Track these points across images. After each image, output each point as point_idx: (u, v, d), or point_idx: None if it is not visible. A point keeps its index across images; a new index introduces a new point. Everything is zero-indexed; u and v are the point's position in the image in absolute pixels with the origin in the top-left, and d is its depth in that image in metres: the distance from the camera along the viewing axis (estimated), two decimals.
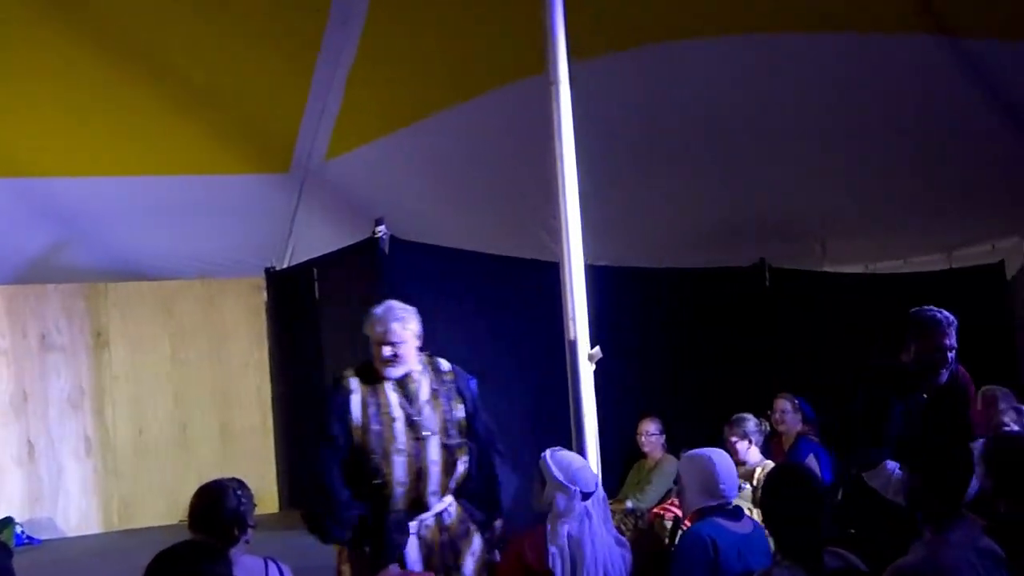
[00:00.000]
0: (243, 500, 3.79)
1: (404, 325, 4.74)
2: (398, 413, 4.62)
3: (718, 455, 4.66)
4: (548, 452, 4.82)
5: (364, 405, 4.60)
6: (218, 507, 3.76)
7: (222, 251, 9.39)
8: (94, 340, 8.96)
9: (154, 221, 8.91)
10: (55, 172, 8.40)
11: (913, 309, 5.05)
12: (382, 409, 4.61)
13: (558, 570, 4.49)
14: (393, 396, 4.67)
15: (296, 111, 8.29)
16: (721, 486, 4.47)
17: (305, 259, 9.11)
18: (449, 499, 4.71)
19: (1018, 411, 6.19)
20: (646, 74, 7.45)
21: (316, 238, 9.09)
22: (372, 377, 4.72)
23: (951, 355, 4.95)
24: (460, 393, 4.84)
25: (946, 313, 4.99)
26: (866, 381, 5.18)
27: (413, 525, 4.55)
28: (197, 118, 8.21)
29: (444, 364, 4.93)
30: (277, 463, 9.16)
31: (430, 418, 4.66)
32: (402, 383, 4.71)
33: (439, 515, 4.65)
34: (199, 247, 9.29)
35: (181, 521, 4.77)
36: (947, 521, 3.64)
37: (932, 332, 4.91)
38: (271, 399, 9.35)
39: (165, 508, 8.45)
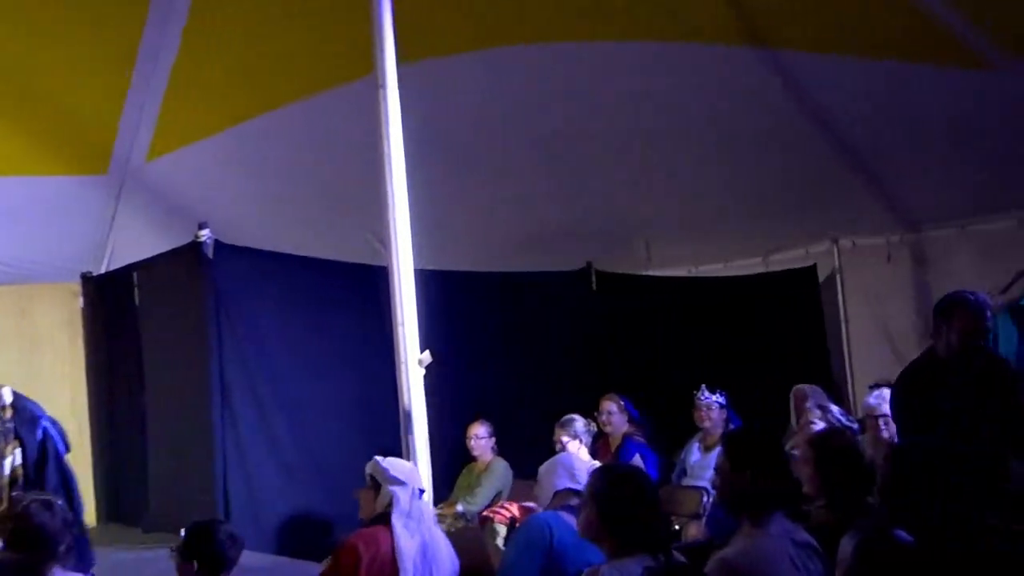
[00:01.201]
0: (59, 517, 3.65)
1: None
2: None
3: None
4: (377, 458, 4.80)
5: None
6: (33, 525, 3.61)
7: (36, 256, 8.97)
8: None
9: None
10: None
11: (945, 296, 4.79)
12: None
13: (410, 567, 4.46)
14: None
15: (115, 110, 7.97)
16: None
17: (125, 264, 8.80)
18: None
19: (824, 409, 6.45)
20: (475, 78, 7.48)
21: (136, 242, 8.78)
22: None
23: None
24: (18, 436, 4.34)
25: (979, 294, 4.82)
26: (901, 385, 4.92)
27: None
28: (9, 117, 7.82)
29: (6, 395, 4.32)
30: (95, 476, 8.81)
31: None
32: None
33: None
34: (10, 251, 8.85)
35: None
36: (766, 515, 3.76)
37: (974, 314, 4.62)
38: (87, 409, 8.99)
39: None
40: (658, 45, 7.04)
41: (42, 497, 3.75)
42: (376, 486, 4.72)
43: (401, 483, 4.66)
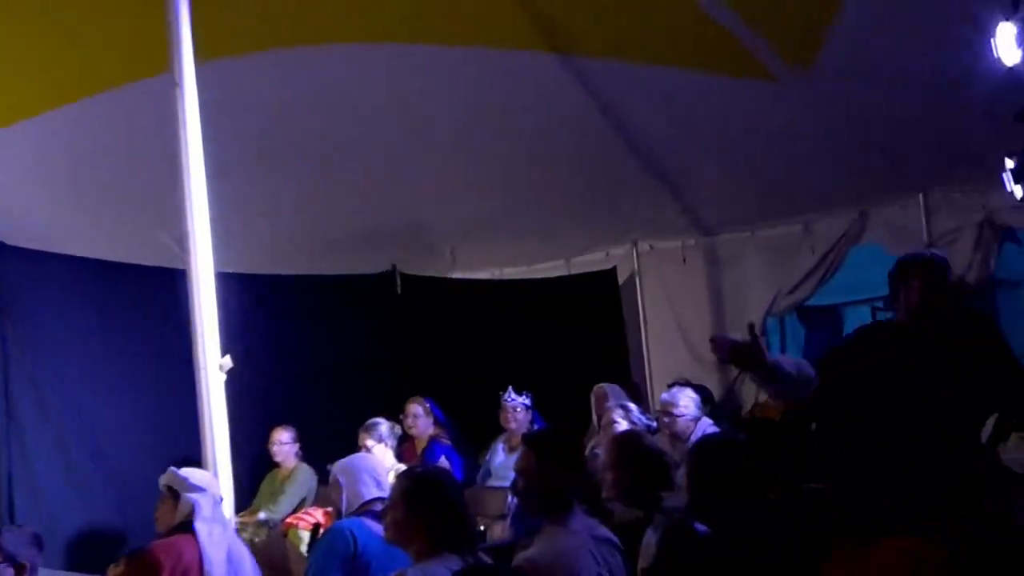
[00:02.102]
0: None
1: None
2: None
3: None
4: (172, 469, 4.67)
5: None
6: None
7: None
8: None
9: None
10: None
11: (899, 258, 4.44)
12: None
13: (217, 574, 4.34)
14: None
15: None
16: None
17: None
18: None
19: (625, 408, 6.63)
20: (277, 77, 7.34)
21: None
22: None
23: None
24: None
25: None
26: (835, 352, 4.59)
27: None
28: None
29: None
30: None
31: None
32: None
33: None
34: None
35: None
36: (565, 513, 3.84)
37: (935, 269, 4.27)
38: None
39: None
40: (467, 50, 7.08)
41: None
42: (174, 495, 4.59)
43: (201, 490, 4.55)
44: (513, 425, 7.83)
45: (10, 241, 7.26)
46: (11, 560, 3.54)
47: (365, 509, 4.56)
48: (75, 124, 7.20)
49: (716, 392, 8.57)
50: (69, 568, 6.78)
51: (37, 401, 7.29)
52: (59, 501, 7.27)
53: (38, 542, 3.72)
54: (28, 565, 3.59)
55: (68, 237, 7.71)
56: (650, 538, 3.56)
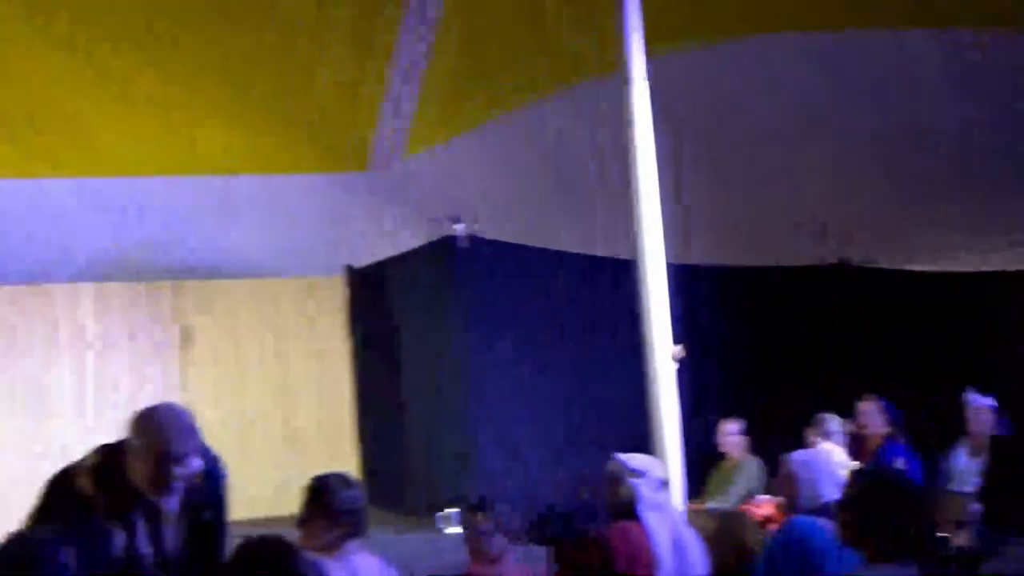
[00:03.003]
0: None
1: None
2: None
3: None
4: (615, 455, 4.78)
5: None
6: None
7: (301, 250, 9.50)
8: (181, 337, 9.11)
9: (236, 220, 9.03)
10: (141, 172, 8.56)
11: None
12: None
13: (665, 559, 4.42)
14: None
15: (372, 109, 8.32)
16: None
17: (383, 257, 9.17)
18: None
19: None
20: (723, 70, 7.35)
21: (393, 236, 9.12)
22: None
23: None
24: None
25: None
26: None
27: None
28: (275, 119, 8.30)
29: None
30: (360, 460, 9.20)
31: None
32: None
33: None
34: (280, 246, 9.40)
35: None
36: None
37: None
38: (352, 397, 9.41)
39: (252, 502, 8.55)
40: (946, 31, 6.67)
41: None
42: (617, 481, 4.69)
43: (642, 474, 4.61)
44: (976, 428, 7.31)
45: (477, 234, 7.79)
46: (494, 531, 3.80)
47: (820, 507, 4.43)
48: (536, 122, 7.61)
49: None
50: (529, 542, 7.14)
51: (497, 383, 7.78)
52: (522, 479, 7.71)
53: (511, 514, 3.95)
54: (508, 533, 3.83)
55: (529, 230, 8.15)
56: None
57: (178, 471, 3.20)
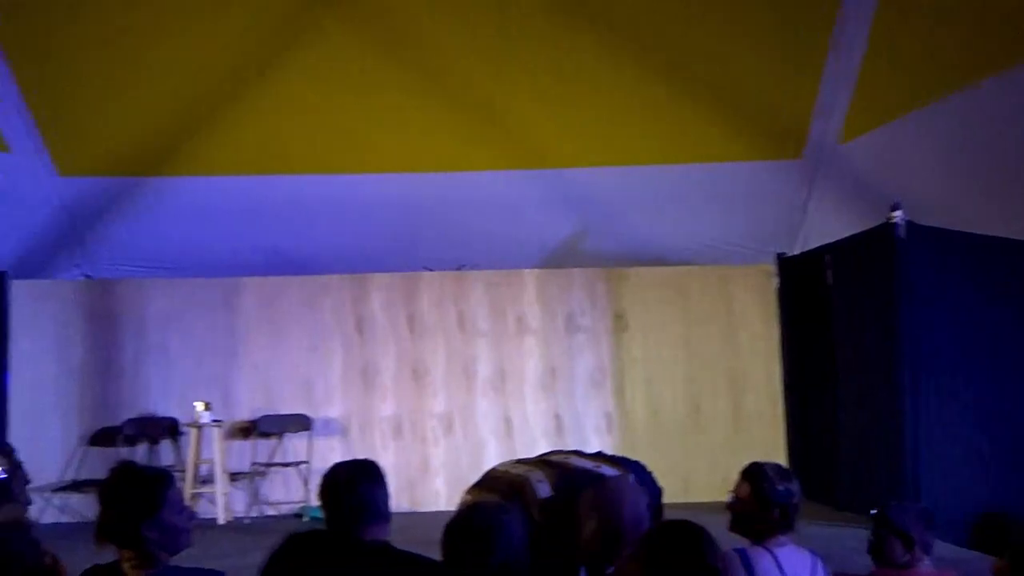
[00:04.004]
0: None
1: None
2: None
3: None
4: None
5: None
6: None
7: (733, 238, 9.56)
8: (614, 322, 9.48)
9: (669, 208, 9.27)
10: (579, 163, 9.02)
11: None
12: None
13: None
14: None
15: (808, 98, 8.24)
16: None
17: (817, 245, 9.01)
18: None
19: None
20: None
21: (828, 224, 8.95)
22: None
23: None
24: None
25: None
26: None
27: None
28: (710, 109, 8.44)
29: None
30: (787, 449, 9.12)
31: None
32: None
33: None
34: (711, 234, 9.53)
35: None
36: None
37: None
38: (781, 386, 9.34)
39: (678, 487, 8.76)
40: None
41: None
42: None
43: None
44: None
45: (918, 221, 7.46)
46: (902, 535, 3.65)
47: None
48: (979, 104, 7.18)
49: None
50: (962, 546, 6.76)
51: (941, 380, 7.41)
52: (961, 480, 7.32)
53: (927, 518, 3.77)
54: (915, 539, 3.67)
55: (972, 216, 7.69)
56: None
57: None
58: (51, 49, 7.87)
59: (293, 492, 9.08)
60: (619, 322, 9.47)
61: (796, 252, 9.43)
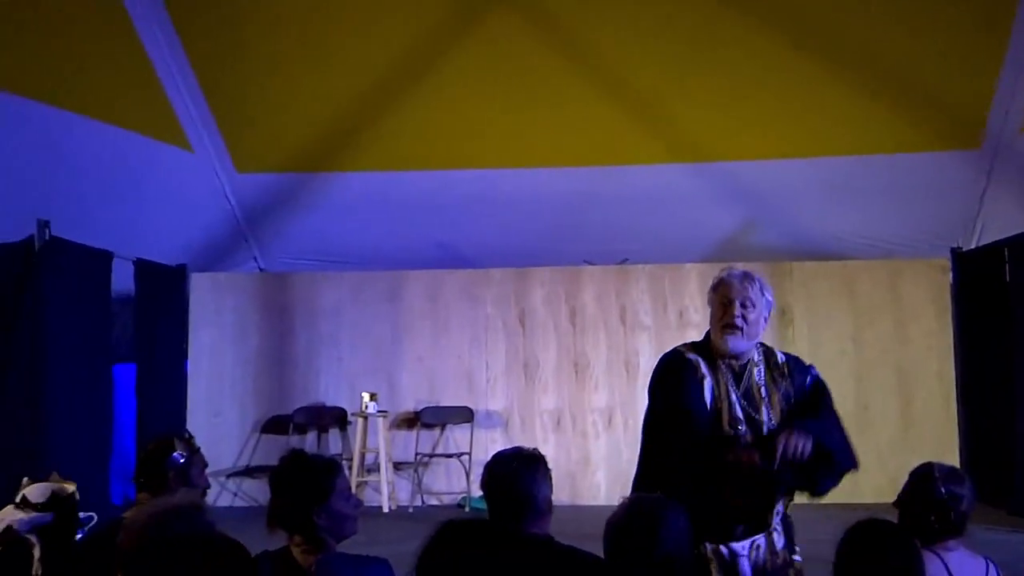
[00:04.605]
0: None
1: (760, 291, 3.64)
2: (734, 404, 3.57)
3: None
4: None
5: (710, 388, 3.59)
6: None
7: (905, 231, 9.29)
8: (779, 317, 9.30)
9: (838, 201, 9.06)
10: (745, 156, 8.90)
11: None
12: (719, 396, 3.57)
13: None
14: (730, 381, 3.62)
15: (987, 87, 7.96)
16: None
17: (993, 240, 8.65)
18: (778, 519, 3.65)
19: None
20: None
21: (1007, 217, 8.58)
22: (707, 354, 3.65)
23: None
24: (800, 390, 3.73)
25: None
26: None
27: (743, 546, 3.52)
28: (883, 99, 8.24)
29: (779, 355, 3.79)
30: (960, 450, 8.79)
31: (767, 417, 3.59)
32: (738, 367, 3.64)
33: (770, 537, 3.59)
34: (881, 227, 9.27)
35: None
36: None
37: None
38: (954, 385, 9.00)
39: (845, 487, 8.52)
40: None
41: None
42: None
43: None
44: None
45: None
46: None
47: None
48: None
49: None
50: None
51: None
52: None
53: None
54: None
55: None
56: None
57: None
58: (230, 50, 8.23)
59: (455, 483, 9.24)
60: (783, 316, 9.29)
61: (972, 246, 9.08)
